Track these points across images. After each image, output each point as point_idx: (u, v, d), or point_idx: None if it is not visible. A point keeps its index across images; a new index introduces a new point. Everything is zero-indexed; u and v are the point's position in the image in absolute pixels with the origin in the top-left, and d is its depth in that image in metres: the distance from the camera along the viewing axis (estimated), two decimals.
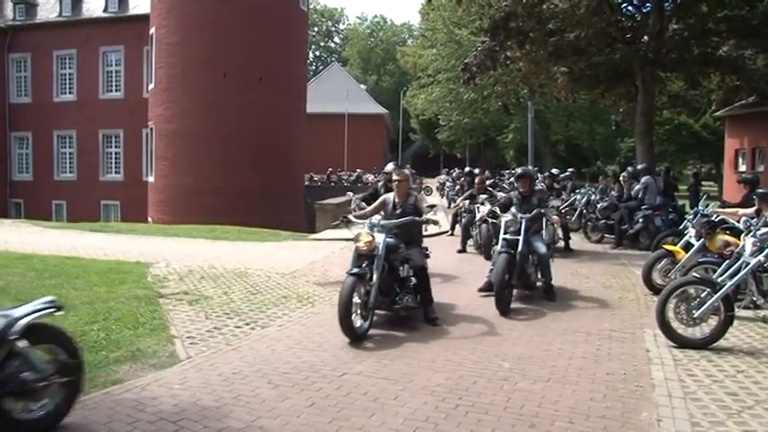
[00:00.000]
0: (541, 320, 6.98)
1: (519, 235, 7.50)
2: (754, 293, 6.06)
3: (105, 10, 31.89)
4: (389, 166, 9.35)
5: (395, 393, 4.53)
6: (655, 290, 8.09)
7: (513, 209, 7.92)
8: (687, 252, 7.93)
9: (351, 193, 10.37)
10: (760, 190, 8.36)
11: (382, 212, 7.12)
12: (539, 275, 8.01)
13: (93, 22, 31.83)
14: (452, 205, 13.37)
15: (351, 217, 7.49)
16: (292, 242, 13.93)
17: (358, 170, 42.97)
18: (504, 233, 7.65)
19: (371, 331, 6.13)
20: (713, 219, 7.96)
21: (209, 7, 24.08)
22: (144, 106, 27.57)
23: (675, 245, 8.47)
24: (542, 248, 7.90)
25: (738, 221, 7.45)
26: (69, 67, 32.49)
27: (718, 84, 19.02)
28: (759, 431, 3.95)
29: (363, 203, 9.07)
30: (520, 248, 7.37)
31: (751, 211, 8.09)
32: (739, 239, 7.09)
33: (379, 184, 9.62)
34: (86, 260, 9.85)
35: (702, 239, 7.74)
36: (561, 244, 12.43)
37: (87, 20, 32.07)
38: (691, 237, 8.20)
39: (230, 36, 23.93)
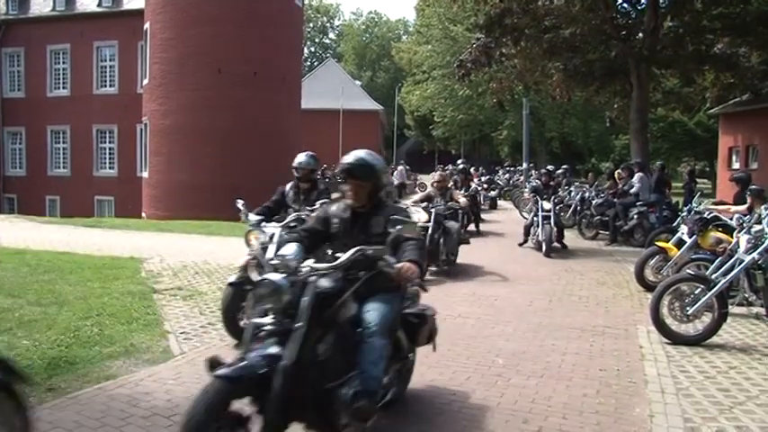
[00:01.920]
0: None
1: (300, 319, 3.07)
2: (747, 290, 6.09)
3: (99, 5, 31.66)
4: (301, 157, 6.61)
5: None
6: (647, 287, 8.13)
7: (291, 248, 3.38)
8: (679, 249, 7.96)
9: (240, 201, 6.29)
10: (752, 186, 8.40)
11: None
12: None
13: (87, 17, 31.59)
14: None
15: None
16: None
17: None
18: (259, 314, 3.21)
19: None
20: (705, 216, 7.99)
21: (204, 3, 23.94)
22: (138, 102, 27.42)
23: (668, 242, 8.50)
24: (373, 321, 3.44)
25: (731, 219, 7.49)
26: (63, 62, 32.28)
27: (713, 81, 19.08)
28: (751, 427, 3.97)
29: (257, 217, 6.05)
30: (287, 358, 2.95)
31: (743, 208, 8.13)
32: (731, 237, 7.13)
33: (287, 187, 6.63)
34: (80, 256, 9.82)
35: (695, 236, 7.77)
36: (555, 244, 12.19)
37: (81, 14, 31.82)
38: (683, 234, 8.22)
39: (225, 32, 23.81)
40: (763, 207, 6.77)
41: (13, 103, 32.99)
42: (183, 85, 24.24)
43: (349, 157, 3.81)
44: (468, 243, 10.26)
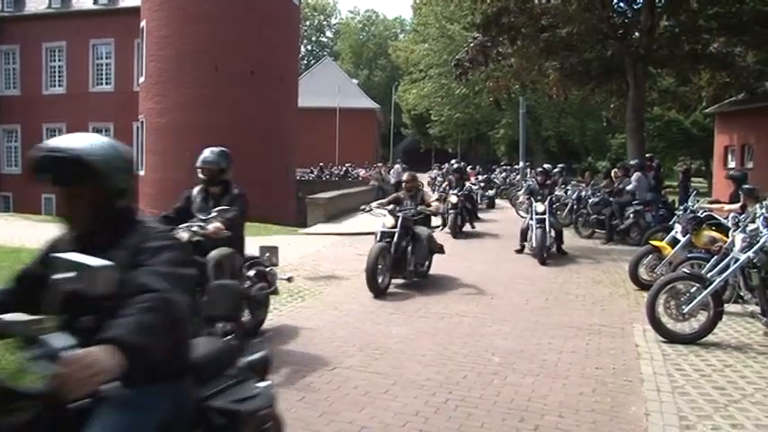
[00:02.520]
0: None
1: None
2: (742, 289, 6.11)
3: (95, 2, 31.61)
4: (205, 153, 5.53)
5: (385, 387, 4.55)
6: (641, 285, 8.18)
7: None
8: (673, 248, 7.99)
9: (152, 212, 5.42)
10: (746, 186, 8.43)
11: None
12: None
13: (83, 15, 31.54)
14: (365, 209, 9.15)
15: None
16: (283, 236, 13.91)
17: (346, 164, 42.71)
18: None
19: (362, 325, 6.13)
20: (699, 215, 8.02)
21: (202, 0, 23.92)
22: (134, 100, 27.37)
23: (664, 240, 8.52)
24: None
25: (726, 218, 7.54)
26: (59, 60, 32.21)
27: (709, 80, 19.10)
28: (746, 424, 3.99)
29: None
30: None
31: (737, 206, 8.20)
32: (725, 236, 7.19)
33: (195, 191, 5.73)
34: None
35: (688, 235, 7.80)
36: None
37: (77, 12, 31.77)
38: (677, 232, 8.24)
39: (222, 30, 23.77)
40: (757, 206, 6.80)
41: (8, 101, 32.91)
42: (180, 83, 24.19)
43: (43, 147, 2.00)
44: (442, 252, 9.03)
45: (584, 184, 16.58)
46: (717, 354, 5.46)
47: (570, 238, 13.39)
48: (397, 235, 8.09)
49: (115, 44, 30.99)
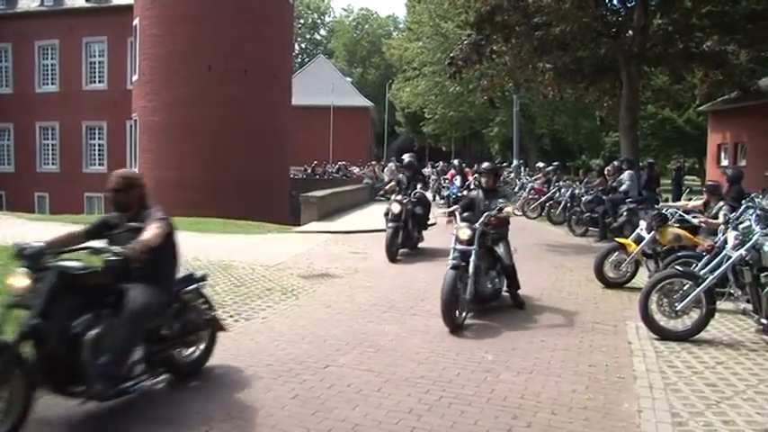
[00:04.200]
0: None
1: None
2: (734, 286, 6.14)
3: (88, 0, 31.53)
4: None
5: (378, 385, 4.55)
6: (606, 282, 8.22)
7: None
8: (639, 245, 8.02)
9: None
10: (709, 182, 8.50)
11: None
12: None
13: (76, 13, 31.44)
14: None
15: None
16: (277, 235, 13.89)
17: (340, 162, 42.58)
18: None
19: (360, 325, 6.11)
20: (665, 212, 8.06)
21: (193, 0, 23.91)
22: (128, 98, 27.31)
23: None
24: None
25: (716, 218, 7.63)
26: (52, 58, 32.08)
27: (702, 78, 19.17)
28: (737, 421, 4.01)
29: None
30: None
31: (699, 203, 8.34)
32: (690, 233, 7.30)
33: None
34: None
35: (653, 232, 7.82)
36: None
37: (69, 10, 31.66)
38: (642, 229, 8.24)
39: (215, 28, 23.74)
40: (749, 204, 6.84)
41: (0, 100, 32.75)
42: (173, 81, 24.16)
43: None
44: (223, 330, 4.97)
45: (577, 182, 16.64)
46: (709, 351, 5.48)
47: (564, 237, 13.43)
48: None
49: (108, 42, 30.88)
